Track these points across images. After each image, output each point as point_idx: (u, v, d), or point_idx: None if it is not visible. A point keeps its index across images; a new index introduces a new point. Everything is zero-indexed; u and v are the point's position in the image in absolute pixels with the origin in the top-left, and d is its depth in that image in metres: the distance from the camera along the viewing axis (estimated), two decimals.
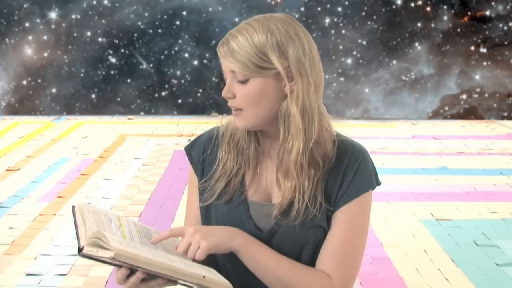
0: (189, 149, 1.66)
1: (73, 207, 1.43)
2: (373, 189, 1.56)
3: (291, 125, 1.46)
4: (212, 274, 1.39)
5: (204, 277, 1.34)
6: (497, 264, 3.62)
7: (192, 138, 1.71)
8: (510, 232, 4.12)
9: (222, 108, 8.05)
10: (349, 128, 6.92)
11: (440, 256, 3.72)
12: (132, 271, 1.32)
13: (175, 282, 1.35)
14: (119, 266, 1.32)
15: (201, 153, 1.62)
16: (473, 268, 3.56)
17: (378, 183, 1.57)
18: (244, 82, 1.45)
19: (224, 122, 1.61)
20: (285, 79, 1.44)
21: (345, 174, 1.52)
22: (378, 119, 7.91)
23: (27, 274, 3.42)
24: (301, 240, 1.51)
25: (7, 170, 5.39)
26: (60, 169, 5.41)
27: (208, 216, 1.58)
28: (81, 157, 5.82)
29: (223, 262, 1.57)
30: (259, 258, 1.47)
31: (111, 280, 3.31)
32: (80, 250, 1.28)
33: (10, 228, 4.07)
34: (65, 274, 3.41)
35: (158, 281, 1.35)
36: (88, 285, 3.30)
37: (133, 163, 5.65)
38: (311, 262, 1.53)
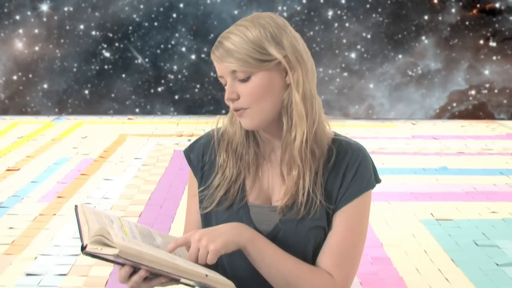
0: (188, 152, 1.65)
1: (76, 206, 1.43)
2: (372, 188, 1.56)
3: (293, 114, 1.47)
4: (215, 275, 1.39)
5: (206, 275, 1.34)
6: (497, 264, 3.62)
7: (192, 139, 1.70)
8: (510, 232, 4.12)
9: (220, 104, 7.77)
10: (349, 128, 6.92)
11: (440, 256, 3.72)
12: (135, 269, 1.32)
13: (177, 281, 1.35)
14: (122, 265, 1.32)
15: (200, 156, 1.62)
16: (473, 268, 3.56)
17: (378, 181, 1.58)
18: (246, 80, 1.46)
19: (219, 127, 1.61)
20: (288, 68, 1.46)
21: (345, 174, 1.52)
22: (379, 119, 7.89)
23: (27, 274, 3.42)
24: (301, 242, 1.51)
25: (7, 170, 5.40)
26: (60, 169, 5.41)
27: (208, 222, 1.58)
28: (81, 157, 5.82)
29: (222, 264, 1.57)
30: (266, 254, 1.46)
31: (111, 280, 3.31)
32: (83, 248, 1.28)
33: (10, 228, 4.07)
34: (65, 274, 3.41)
35: (160, 280, 1.34)
36: (88, 285, 3.30)
37: (133, 163, 5.65)
38: (312, 263, 1.52)
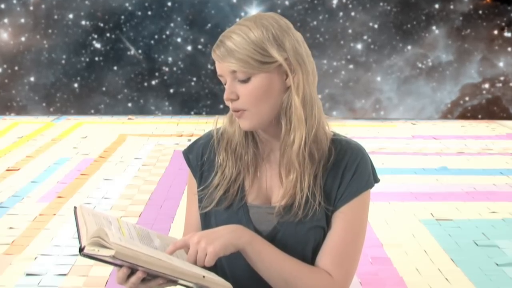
0: (187, 153, 1.65)
1: (75, 208, 1.44)
2: (371, 188, 1.57)
3: (292, 117, 1.47)
4: (212, 276, 1.39)
5: (204, 276, 1.34)
6: (497, 264, 3.62)
7: (192, 139, 1.71)
8: (510, 232, 4.12)
9: (217, 98, 7.48)
10: (349, 128, 6.92)
11: (440, 256, 3.73)
12: (132, 271, 1.33)
13: (175, 282, 1.35)
14: (120, 266, 1.32)
15: (199, 157, 1.62)
16: (473, 268, 3.56)
17: (377, 181, 1.58)
18: (246, 80, 1.45)
19: (218, 127, 1.61)
20: (288, 71, 1.45)
21: (344, 173, 1.52)
22: (379, 119, 7.88)
23: (27, 274, 3.42)
24: (301, 242, 1.51)
25: (7, 170, 5.40)
26: (60, 169, 5.41)
27: (207, 222, 1.58)
28: (81, 157, 5.82)
29: (221, 265, 1.57)
30: (265, 256, 1.46)
31: (111, 280, 3.31)
32: (81, 249, 1.29)
33: (10, 228, 4.07)
34: (65, 274, 3.42)
35: (158, 281, 1.35)
36: (88, 285, 3.31)
37: (133, 163, 5.66)
38: (311, 263, 1.53)
